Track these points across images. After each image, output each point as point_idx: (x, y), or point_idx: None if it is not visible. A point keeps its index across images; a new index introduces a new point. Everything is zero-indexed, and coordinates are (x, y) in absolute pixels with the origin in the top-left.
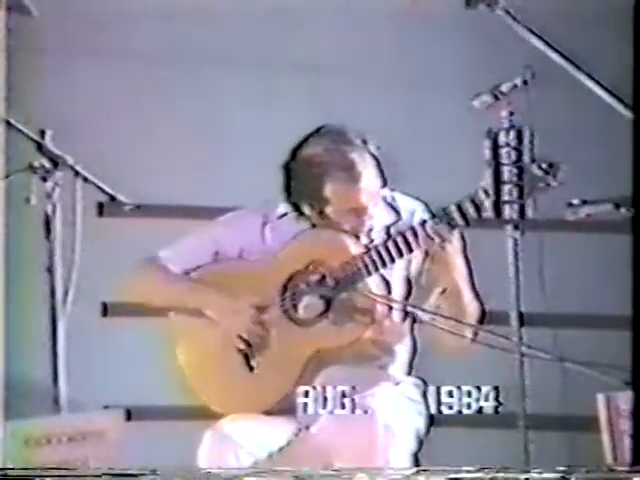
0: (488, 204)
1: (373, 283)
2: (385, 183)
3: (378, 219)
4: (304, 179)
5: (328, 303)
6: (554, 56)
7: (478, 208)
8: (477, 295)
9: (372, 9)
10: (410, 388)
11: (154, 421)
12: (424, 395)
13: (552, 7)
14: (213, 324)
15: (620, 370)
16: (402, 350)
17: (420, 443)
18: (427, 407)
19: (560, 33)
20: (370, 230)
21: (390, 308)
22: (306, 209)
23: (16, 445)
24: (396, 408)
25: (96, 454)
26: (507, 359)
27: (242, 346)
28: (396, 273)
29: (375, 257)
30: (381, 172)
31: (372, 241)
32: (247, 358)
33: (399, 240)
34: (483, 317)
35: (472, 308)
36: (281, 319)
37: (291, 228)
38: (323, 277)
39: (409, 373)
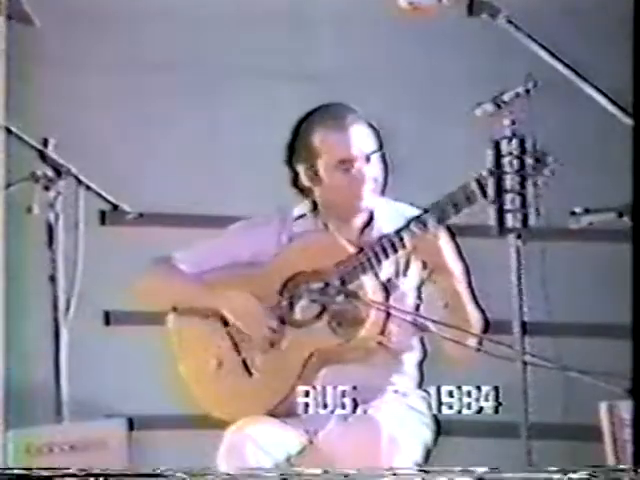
0: (479, 194)
1: (378, 291)
2: (381, 147)
3: (374, 191)
4: (299, 138)
5: (324, 305)
6: (556, 65)
7: (469, 198)
8: (479, 306)
9: (373, 18)
10: (417, 400)
11: (156, 430)
12: (430, 407)
13: (554, 16)
14: (214, 330)
15: (621, 379)
16: (410, 361)
17: (426, 455)
18: (434, 418)
19: (562, 42)
20: (368, 212)
21: (387, 316)
22: (301, 170)
23: (18, 454)
24: (402, 419)
25: (98, 463)
26: (510, 368)
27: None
28: (407, 283)
29: (370, 254)
30: (377, 137)
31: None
32: (245, 364)
33: (392, 236)
34: (487, 328)
35: (475, 319)
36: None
37: (305, 229)
38: (319, 279)
39: (419, 386)
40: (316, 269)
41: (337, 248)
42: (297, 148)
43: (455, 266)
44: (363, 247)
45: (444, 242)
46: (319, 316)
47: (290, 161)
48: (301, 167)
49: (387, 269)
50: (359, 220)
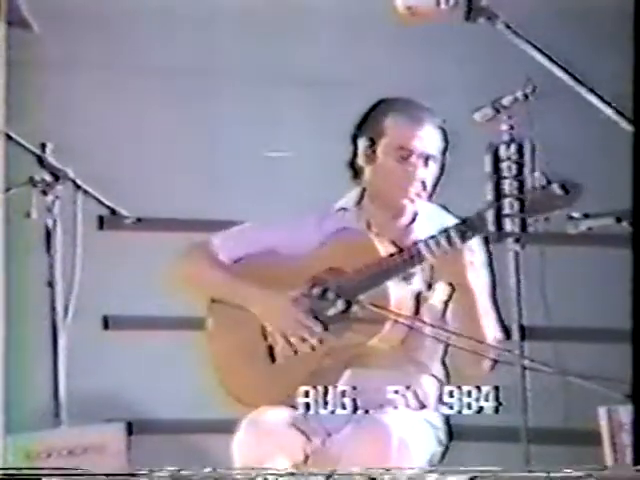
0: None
1: (406, 301)
2: (445, 149)
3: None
4: (372, 115)
5: (348, 304)
6: (555, 69)
7: (499, 219)
8: (501, 322)
9: (372, 23)
10: (434, 416)
11: (156, 435)
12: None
13: (553, 20)
14: (242, 318)
15: (621, 383)
16: (435, 377)
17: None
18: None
19: (561, 46)
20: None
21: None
22: (361, 147)
23: (17, 459)
24: (416, 429)
25: (97, 468)
26: (509, 371)
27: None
28: (435, 297)
29: (398, 260)
30: (444, 146)
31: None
32: (271, 349)
33: (422, 244)
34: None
35: (490, 331)
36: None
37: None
38: (346, 279)
39: (439, 401)
40: (345, 269)
41: (371, 249)
42: (366, 124)
43: (477, 283)
44: (401, 249)
45: (469, 257)
46: (342, 315)
47: (355, 137)
48: (362, 143)
49: (418, 281)
50: (403, 220)
